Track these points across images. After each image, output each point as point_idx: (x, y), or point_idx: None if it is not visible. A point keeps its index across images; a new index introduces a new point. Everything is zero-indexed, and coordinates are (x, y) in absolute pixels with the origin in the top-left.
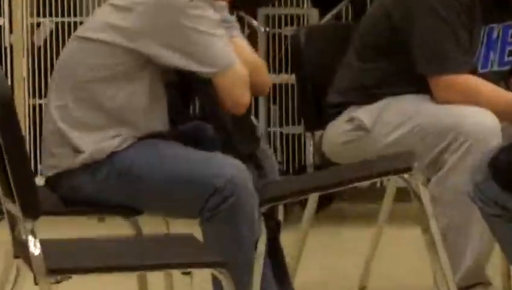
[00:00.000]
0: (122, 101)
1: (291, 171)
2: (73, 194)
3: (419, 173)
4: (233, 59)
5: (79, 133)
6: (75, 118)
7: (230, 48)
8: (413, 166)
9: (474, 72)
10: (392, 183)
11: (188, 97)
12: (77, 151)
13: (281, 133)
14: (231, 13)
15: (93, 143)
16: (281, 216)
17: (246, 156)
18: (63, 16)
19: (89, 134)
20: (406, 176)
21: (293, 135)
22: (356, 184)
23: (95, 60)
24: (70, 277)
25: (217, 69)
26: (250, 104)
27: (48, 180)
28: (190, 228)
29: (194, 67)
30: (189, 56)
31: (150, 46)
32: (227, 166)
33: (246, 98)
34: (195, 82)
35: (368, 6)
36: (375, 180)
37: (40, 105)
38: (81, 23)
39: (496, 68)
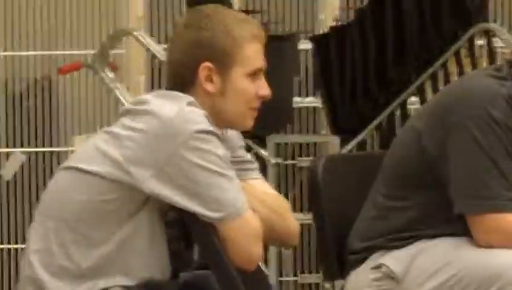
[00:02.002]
0: (116, 244)
1: None
2: None
3: None
4: (244, 206)
5: (61, 283)
6: (57, 265)
7: (241, 193)
8: None
9: None
10: None
11: (191, 238)
12: None
13: (295, 282)
14: None
15: None
16: None
17: None
18: (36, 145)
19: (72, 285)
20: None
21: (310, 285)
22: None
23: (87, 196)
24: None
25: (223, 214)
26: None
27: None
28: None
29: (196, 208)
30: (192, 195)
31: (149, 181)
32: None
33: (257, 253)
34: (195, 225)
35: (397, 132)
36: None
37: (9, 250)
38: (57, 153)
39: None
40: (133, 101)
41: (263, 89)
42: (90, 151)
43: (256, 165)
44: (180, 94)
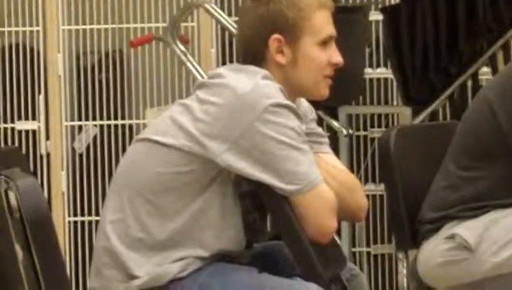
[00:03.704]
0: (190, 216)
1: None
2: None
3: None
4: (318, 178)
5: (135, 254)
6: (133, 237)
7: (315, 166)
8: None
9: None
10: None
11: (265, 210)
12: (131, 275)
13: (368, 253)
14: None
15: (151, 267)
16: None
17: (330, 281)
18: (108, 118)
19: (147, 256)
20: None
21: (383, 255)
22: None
23: (161, 168)
24: None
25: (298, 187)
26: None
27: None
28: None
29: (271, 181)
30: (266, 168)
31: (224, 154)
32: None
33: (331, 225)
34: (269, 196)
35: (469, 102)
36: None
37: (83, 223)
38: (130, 126)
39: None
40: (208, 74)
41: (335, 56)
42: (165, 124)
43: (326, 139)
44: (255, 68)
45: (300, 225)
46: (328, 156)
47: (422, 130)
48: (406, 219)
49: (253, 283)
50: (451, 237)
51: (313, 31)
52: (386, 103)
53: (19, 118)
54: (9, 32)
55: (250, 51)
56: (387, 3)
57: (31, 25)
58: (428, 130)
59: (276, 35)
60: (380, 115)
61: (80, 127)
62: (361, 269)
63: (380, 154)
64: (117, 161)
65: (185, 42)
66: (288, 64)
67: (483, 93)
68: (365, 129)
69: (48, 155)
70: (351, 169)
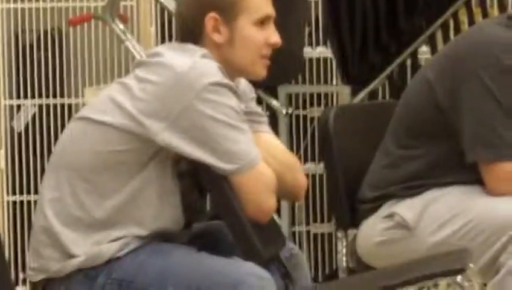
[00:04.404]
0: (128, 195)
1: (320, 276)
2: None
3: (475, 274)
4: (257, 157)
5: (73, 232)
6: (71, 215)
7: (254, 145)
8: (467, 267)
9: None
10: (443, 288)
11: (204, 189)
12: (69, 254)
13: (308, 232)
14: None
15: (89, 246)
16: None
17: (268, 261)
18: (47, 97)
19: (85, 235)
20: (459, 278)
21: (322, 234)
22: None
23: (99, 146)
24: None
25: (236, 166)
26: None
27: (34, 286)
28: None
29: (209, 160)
30: (205, 147)
31: (162, 133)
32: (248, 275)
33: (270, 204)
34: (208, 176)
35: (409, 81)
36: (422, 285)
37: (22, 202)
38: (69, 105)
39: None
40: (147, 53)
41: (272, 36)
42: (103, 102)
43: (266, 118)
44: (194, 47)
45: (240, 205)
46: (268, 135)
47: (362, 109)
48: (345, 198)
49: (191, 261)
50: (390, 215)
51: (250, 10)
52: (326, 82)
53: None
54: None
55: (187, 29)
56: None
57: None
58: (367, 109)
59: (212, 14)
60: (319, 94)
61: (19, 106)
62: (300, 248)
63: (320, 133)
64: (56, 140)
65: (124, 21)
66: (225, 44)
67: (423, 73)
68: (304, 108)
69: None
70: (291, 148)
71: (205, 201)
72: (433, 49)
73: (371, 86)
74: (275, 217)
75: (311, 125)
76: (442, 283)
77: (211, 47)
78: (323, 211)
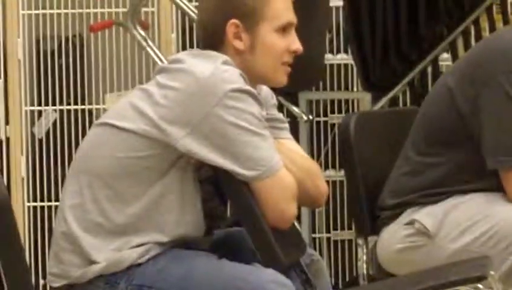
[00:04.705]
0: (149, 201)
1: (340, 283)
2: None
3: (495, 282)
4: (279, 164)
5: (94, 239)
6: (92, 221)
7: (275, 151)
8: (488, 274)
9: None
10: None
11: (225, 195)
12: (90, 260)
13: (328, 239)
14: None
15: (110, 252)
16: None
17: (289, 267)
18: (68, 103)
19: (106, 241)
20: (479, 286)
21: (343, 241)
22: None
23: (120, 152)
24: None
25: (257, 172)
26: None
27: None
28: None
29: (230, 166)
30: (226, 153)
31: (183, 140)
32: (269, 282)
33: (291, 211)
34: (229, 182)
35: (429, 88)
36: None
37: (42, 208)
38: (89, 111)
39: None
40: (168, 59)
41: (294, 43)
42: (124, 109)
43: (287, 125)
44: (215, 53)
45: (261, 211)
46: (289, 141)
47: (382, 116)
48: (366, 205)
49: (212, 268)
50: (411, 223)
51: (272, 17)
52: (346, 88)
53: None
54: None
55: (209, 36)
56: None
57: None
58: (388, 116)
59: (233, 21)
60: (340, 101)
61: (40, 112)
62: (321, 255)
63: (340, 140)
64: (77, 146)
65: (145, 27)
66: (246, 51)
67: (444, 80)
68: (325, 115)
69: (8, 140)
70: (311, 155)
71: (226, 208)
72: (454, 56)
73: (392, 93)
74: (296, 223)
75: (332, 132)
76: None
77: (232, 54)
78: (343, 217)
